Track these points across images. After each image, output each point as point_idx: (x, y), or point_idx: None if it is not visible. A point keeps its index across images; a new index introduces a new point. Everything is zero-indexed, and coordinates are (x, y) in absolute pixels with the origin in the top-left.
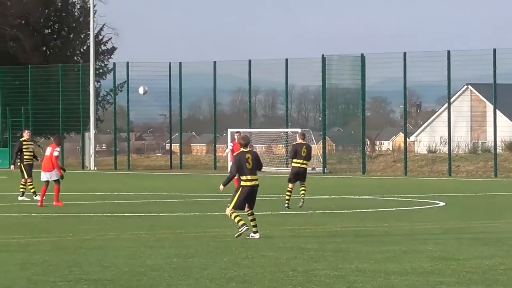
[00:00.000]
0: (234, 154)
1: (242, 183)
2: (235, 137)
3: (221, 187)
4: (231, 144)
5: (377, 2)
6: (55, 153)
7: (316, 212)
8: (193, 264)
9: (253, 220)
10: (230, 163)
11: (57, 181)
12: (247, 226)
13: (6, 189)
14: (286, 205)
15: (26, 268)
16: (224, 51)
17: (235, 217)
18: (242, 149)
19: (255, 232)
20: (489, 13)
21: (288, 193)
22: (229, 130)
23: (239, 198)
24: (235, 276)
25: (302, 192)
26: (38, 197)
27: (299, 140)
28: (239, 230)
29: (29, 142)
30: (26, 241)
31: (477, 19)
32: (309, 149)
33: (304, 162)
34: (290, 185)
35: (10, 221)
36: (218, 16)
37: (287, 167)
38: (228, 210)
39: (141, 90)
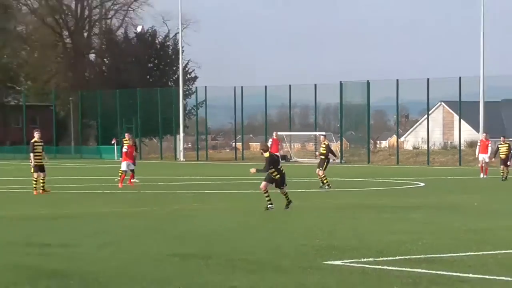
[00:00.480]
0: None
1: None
2: (273, 134)
3: (253, 170)
4: (271, 140)
5: (379, 44)
6: (124, 149)
7: (336, 190)
8: (256, 225)
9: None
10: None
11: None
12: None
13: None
14: (324, 186)
15: (141, 227)
16: (271, 77)
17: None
18: (268, 152)
19: (271, 204)
20: (456, 48)
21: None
22: (276, 133)
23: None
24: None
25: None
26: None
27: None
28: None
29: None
30: (142, 210)
31: (447, 53)
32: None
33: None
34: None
35: (126, 196)
36: (266, 49)
37: (315, 158)
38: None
39: (139, 28)
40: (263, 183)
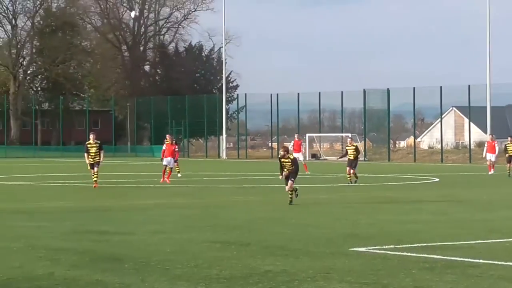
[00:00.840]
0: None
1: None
2: (295, 136)
3: (291, 184)
4: (293, 141)
5: (397, 55)
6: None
7: (359, 185)
8: (288, 216)
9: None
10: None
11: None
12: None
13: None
14: (352, 182)
15: (187, 217)
16: (303, 85)
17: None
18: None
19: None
20: (466, 58)
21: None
22: (307, 134)
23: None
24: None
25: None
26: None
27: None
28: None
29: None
30: (189, 202)
31: (458, 62)
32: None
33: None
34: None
35: (172, 190)
36: (298, 60)
37: (339, 158)
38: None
39: (132, 14)
40: (289, 182)
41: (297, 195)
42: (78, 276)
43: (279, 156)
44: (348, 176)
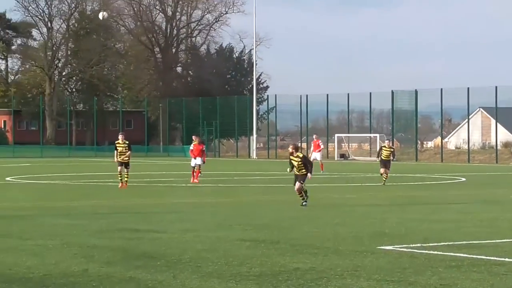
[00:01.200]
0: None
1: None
2: (314, 137)
3: (310, 176)
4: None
5: (424, 57)
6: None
7: (387, 184)
8: (317, 215)
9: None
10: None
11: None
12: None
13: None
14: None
15: (218, 215)
16: (331, 86)
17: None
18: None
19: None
20: (493, 60)
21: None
22: (336, 135)
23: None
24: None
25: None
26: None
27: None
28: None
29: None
30: (219, 201)
31: (485, 63)
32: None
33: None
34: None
35: (203, 189)
36: (326, 62)
37: (370, 157)
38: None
39: (100, 16)
40: (297, 184)
41: (308, 196)
42: (112, 272)
43: (289, 153)
44: (382, 174)
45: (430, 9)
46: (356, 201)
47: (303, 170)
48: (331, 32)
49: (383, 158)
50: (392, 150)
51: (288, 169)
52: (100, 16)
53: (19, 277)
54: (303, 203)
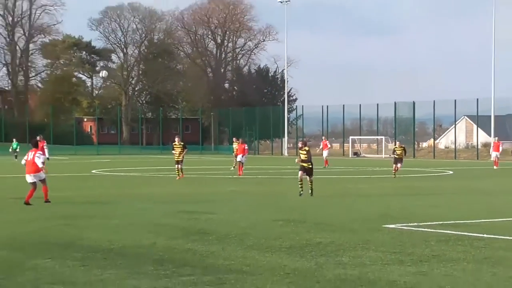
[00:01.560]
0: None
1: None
2: (323, 138)
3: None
4: (321, 143)
5: (421, 73)
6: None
7: (392, 176)
8: (335, 201)
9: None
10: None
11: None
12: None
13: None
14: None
15: (257, 200)
16: (347, 97)
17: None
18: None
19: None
20: (475, 76)
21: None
22: (350, 137)
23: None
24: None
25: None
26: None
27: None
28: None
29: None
30: (258, 189)
31: (469, 78)
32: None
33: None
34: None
35: (245, 180)
36: (343, 79)
37: (377, 154)
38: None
39: (102, 74)
40: (300, 172)
41: (312, 189)
42: (174, 245)
43: (299, 147)
44: (394, 171)
45: (426, 37)
46: (366, 190)
47: (309, 163)
48: (347, 55)
49: (396, 156)
50: (403, 147)
51: (296, 160)
52: (101, 74)
53: (102, 248)
54: (300, 191)
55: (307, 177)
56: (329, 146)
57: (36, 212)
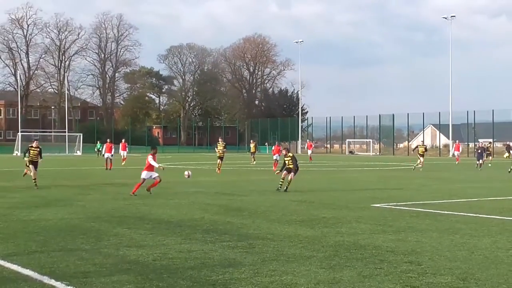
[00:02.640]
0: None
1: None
2: (307, 140)
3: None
4: (306, 143)
5: (399, 92)
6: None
7: (381, 168)
8: (337, 187)
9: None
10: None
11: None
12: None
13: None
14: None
15: (273, 185)
16: (345, 111)
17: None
18: (287, 153)
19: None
20: (438, 92)
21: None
22: (347, 140)
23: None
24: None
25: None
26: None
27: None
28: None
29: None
30: (278, 177)
31: (433, 95)
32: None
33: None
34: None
35: (270, 172)
36: (344, 94)
37: (366, 152)
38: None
39: (186, 174)
40: (284, 172)
41: (287, 186)
42: (217, 219)
43: (283, 155)
44: (418, 164)
45: (399, 69)
46: (358, 178)
47: (292, 165)
48: (344, 80)
49: (419, 153)
50: (425, 146)
51: (276, 172)
52: (186, 175)
53: (164, 221)
54: (279, 187)
55: (289, 175)
56: (313, 146)
57: (120, 195)
